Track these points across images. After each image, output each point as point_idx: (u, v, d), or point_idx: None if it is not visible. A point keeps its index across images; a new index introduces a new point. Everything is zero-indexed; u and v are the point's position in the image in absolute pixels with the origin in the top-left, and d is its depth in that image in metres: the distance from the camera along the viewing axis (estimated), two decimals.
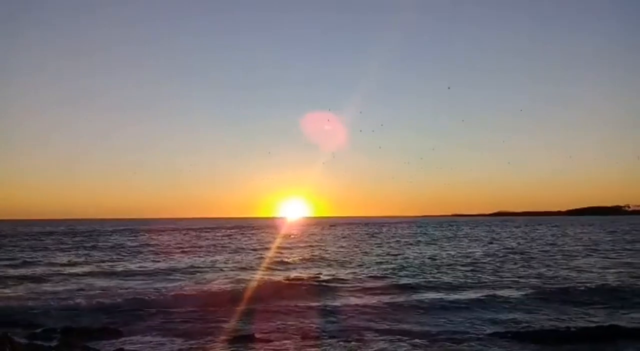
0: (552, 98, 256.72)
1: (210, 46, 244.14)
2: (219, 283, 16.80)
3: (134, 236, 53.12)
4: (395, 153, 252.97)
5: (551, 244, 36.54)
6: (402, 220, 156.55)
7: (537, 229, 68.03)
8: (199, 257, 27.56)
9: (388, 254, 28.77)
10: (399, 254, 28.75)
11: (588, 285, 15.86)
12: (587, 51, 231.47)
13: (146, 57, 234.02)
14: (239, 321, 11.10)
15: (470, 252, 29.86)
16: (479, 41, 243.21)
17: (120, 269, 21.46)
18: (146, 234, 57.35)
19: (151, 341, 9.60)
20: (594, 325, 10.62)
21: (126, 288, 15.65)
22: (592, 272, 19.50)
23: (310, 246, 36.07)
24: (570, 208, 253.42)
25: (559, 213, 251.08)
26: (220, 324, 10.75)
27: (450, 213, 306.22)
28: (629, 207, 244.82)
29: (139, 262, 24.68)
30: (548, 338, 9.85)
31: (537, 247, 34.14)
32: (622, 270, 19.84)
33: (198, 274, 19.32)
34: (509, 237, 47.36)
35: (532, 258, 25.79)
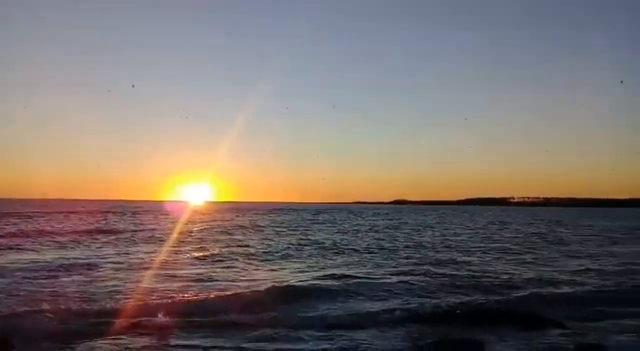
0: (448, 92, 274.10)
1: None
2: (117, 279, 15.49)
3: (15, 219, 47.74)
4: (301, 139, 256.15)
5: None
6: (309, 206, 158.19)
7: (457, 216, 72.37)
8: (87, 246, 24.97)
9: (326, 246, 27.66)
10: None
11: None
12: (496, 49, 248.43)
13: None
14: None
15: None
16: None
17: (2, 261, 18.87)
18: (31, 217, 51.91)
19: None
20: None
21: (14, 286, 13.66)
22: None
23: (219, 233, 34.77)
24: (461, 198, 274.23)
25: (450, 202, 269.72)
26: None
27: (351, 201, 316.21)
28: (514, 198, 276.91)
29: (23, 251, 22.12)
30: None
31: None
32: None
33: (89, 270, 16.92)
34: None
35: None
